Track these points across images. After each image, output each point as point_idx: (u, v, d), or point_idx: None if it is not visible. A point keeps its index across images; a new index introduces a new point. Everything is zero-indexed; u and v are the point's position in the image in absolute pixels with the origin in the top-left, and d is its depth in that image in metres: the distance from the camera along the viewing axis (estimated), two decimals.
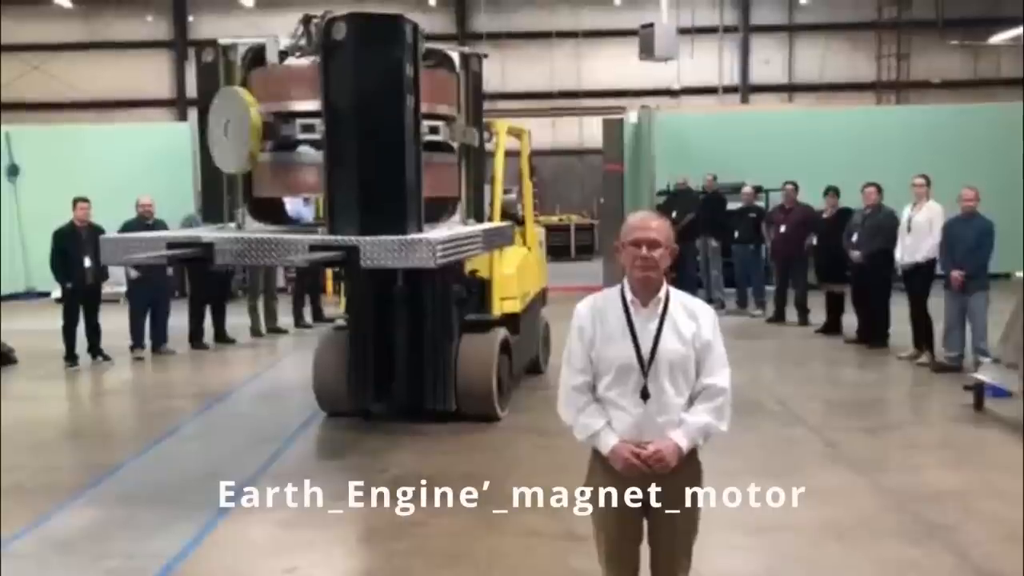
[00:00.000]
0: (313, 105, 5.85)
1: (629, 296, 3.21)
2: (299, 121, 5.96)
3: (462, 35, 24.32)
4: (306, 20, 6.07)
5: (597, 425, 3.19)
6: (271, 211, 6.68)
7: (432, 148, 6.32)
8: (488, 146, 7.77)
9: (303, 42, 6.14)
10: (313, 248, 5.51)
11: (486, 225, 6.84)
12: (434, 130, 6.24)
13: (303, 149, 6.26)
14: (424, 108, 5.88)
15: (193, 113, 24.87)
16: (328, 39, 5.62)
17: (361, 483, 6.14)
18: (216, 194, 6.59)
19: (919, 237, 9.32)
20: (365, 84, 5.63)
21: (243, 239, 5.77)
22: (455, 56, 6.78)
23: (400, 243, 5.42)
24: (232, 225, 6.49)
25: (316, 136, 5.87)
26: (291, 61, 6.29)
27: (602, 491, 3.27)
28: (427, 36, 6.12)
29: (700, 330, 3.19)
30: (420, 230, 5.74)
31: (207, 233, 6.08)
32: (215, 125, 6.01)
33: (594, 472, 3.32)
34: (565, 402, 3.28)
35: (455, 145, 6.81)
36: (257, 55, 6.37)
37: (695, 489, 3.29)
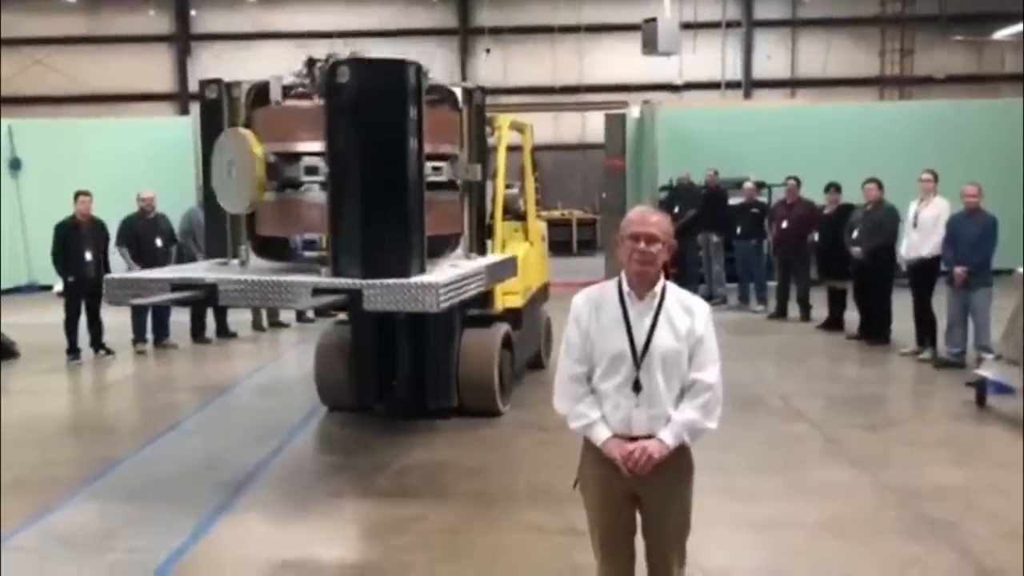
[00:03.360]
0: (317, 146, 5.83)
1: (626, 289, 3.23)
2: (303, 163, 5.94)
3: (464, 30, 24.28)
4: (310, 63, 6.09)
5: (592, 416, 3.22)
6: (275, 246, 6.64)
7: (435, 186, 6.31)
8: (490, 141, 7.76)
9: (307, 83, 6.14)
10: (316, 291, 5.49)
11: (488, 260, 6.82)
12: (437, 170, 6.23)
13: (306, 187, 6.22)
14: (427, 148, 5.85)
15: (194, 107, 24.88)
16: (332, 82, 5.59)
17: (362, 477, 6.16)
18: (220, 229, 6.57)
19: (925, 233, 9.30)
20: (369, 128, 5.60)
21: (246, 281, 5.74)
22: (458, 92, 6.75)
23: (403, 287, 5.39)
24: (235, 261, 6.48)
25: (320, 178, 5.83)
26: (294, 102, 6.28)
27: (593, 481, 3.30)
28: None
29: (694, 325, 3.21)
30: (423, 270, 5.73)
31: (210, 274, 6.03)
32: (219, 165, 6.00)
33: (586, 462, 3.34)
34: (561, 392, 3.30)
35: (458, 182, 6.80)
36: (260, 93, 6.35)
37: (686, 483, 3.31)
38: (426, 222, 5.84)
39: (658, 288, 3.22)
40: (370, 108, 5.57)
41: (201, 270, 6.42)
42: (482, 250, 7.05)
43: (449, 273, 5.85)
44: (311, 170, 5.87)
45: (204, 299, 5.87)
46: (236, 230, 6.45)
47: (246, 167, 5.77)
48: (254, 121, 6.24)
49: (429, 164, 5.98)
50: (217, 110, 6.44)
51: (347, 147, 5.60)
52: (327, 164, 5.67)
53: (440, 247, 6.54)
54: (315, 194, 5.91)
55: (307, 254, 6.63)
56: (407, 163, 5.61)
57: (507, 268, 7.15)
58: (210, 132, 6.43)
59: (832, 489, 5.79)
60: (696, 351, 3.20)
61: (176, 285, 5.84)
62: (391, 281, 5.40)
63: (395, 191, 5.59)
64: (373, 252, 5.57)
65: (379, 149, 5.60)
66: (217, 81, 6.52)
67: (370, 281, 5.41)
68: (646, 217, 3.21)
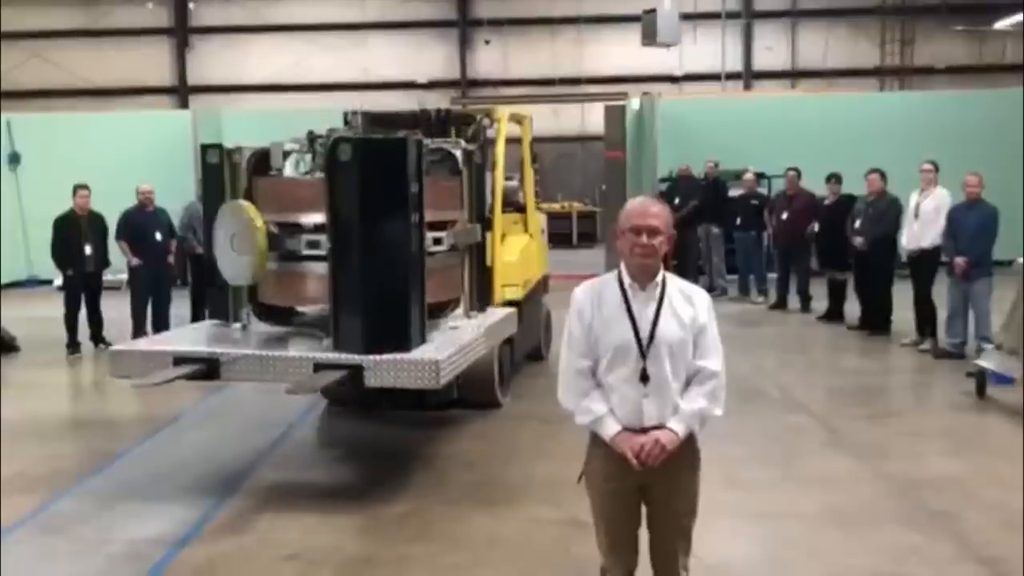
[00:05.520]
0: (318, 218, 5.85)
1: (627, 280, 3.21)
2: (305, 236, 5.97)
3: (463, 22, 24.21)
4: (311, 139, 6.09)
5: (600, 411, 3.20)
6: (276, 311, 6.65)
7: (436, 252, 6.28)
8: (489, 133, 7.73)
9: (308, 158, 6.18)
10: (318, 367, 5.52)
11: (489, 319, 6.80)
12: (438, 241, 6.23)
13: (308, 258, 6.21)
14: (428, 217, 5.86)
15: (194, 101, 24.74)
16: (333, 159, 5.59)
17: (362, 470, 6.17)
18: (222, 294, 6.58)
19: (926, 224, 9.29)
20: (370, 206, 5.60)
21: (247, 356, 5.75)
22: (458, 154, 6.75)
23: (404, 363, 5.39)
24: (237, 326, 6.50)
25: (321, 252, 5.85)
26: (295, 174, 6.29)
27: (600, 476, 3.28)
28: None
29: (697, 314, 3.20)
30: (424, 339, 5.75)
31: (212, 347, 6.02)
32: (222, 237, 6.02)
33: (593, 456, 3.32)
34: (566, 387, 3.27)
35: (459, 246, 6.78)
36: (261, 160, 6.36)
37: (694, 473, 3.30)
38: (427, 290, 5.85)
39: (659, 278, 3.21)
40: (371, 186, 5.58)
41: (203, 335, 6.42)
42: (483, 306, 7.06)
43: (450, 342, 5.85)
44: (313, 243, 5.91)
45: (206, 374, 5.85)
46: (238, 294, 6.47)
47: (248, 242, 5.80)
48: (255, 190, 6.25)
49: (430, 235, 6.00)
50: (218, 175, 6.46)
51: (348, 223, 5.61)
52: (328, 239, 5.69)
53: (440, 309, 6.57)
54: (317, 265, 5.93)
55: (308, 312, 6.65)
56: (408, 238, 5.63)
57: (508, 325, 7.14)
58: (211, 197, 6.46)
59: (832, 480, 5.80)
60: (700, 339, 3.20)
61: (179, 359, 5.87)
62: (392, 357, 5.41)
63: (396, 267, 5.60)
64: (374, 326, 5.58)
65: (380, 226, 5.61)
66: (218, 146, 6.55)
67: (371, 357, 5.42)
68: (647, 209, 3.18)
